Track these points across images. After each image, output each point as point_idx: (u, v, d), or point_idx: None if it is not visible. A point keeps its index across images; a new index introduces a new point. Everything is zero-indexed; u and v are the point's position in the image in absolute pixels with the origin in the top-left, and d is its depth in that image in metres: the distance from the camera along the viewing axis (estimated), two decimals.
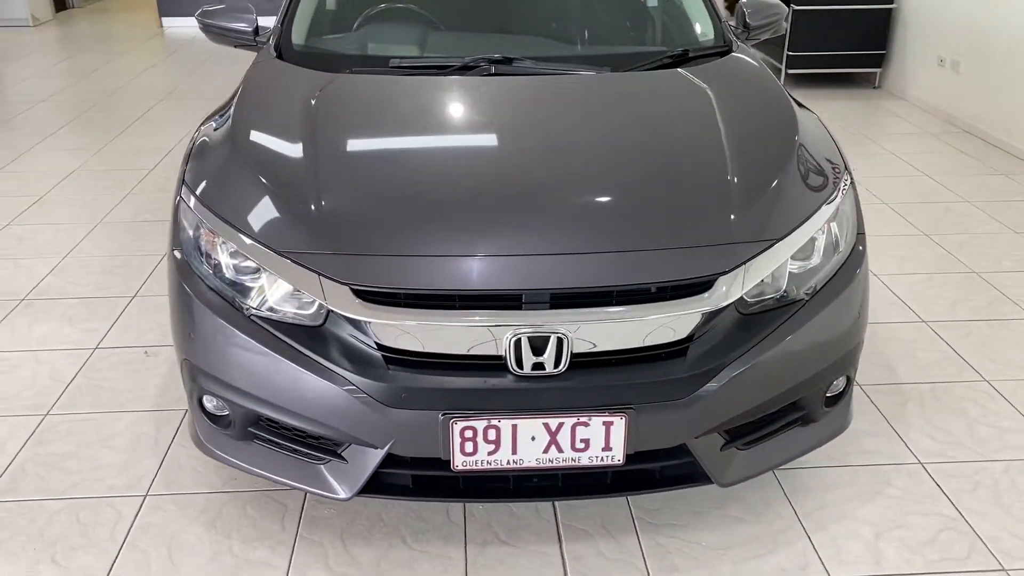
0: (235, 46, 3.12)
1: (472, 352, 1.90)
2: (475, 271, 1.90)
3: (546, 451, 1.94)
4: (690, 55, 2.82)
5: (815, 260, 2.14)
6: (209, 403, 2.14)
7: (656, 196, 2.10)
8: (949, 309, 3.41)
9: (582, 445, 1.94)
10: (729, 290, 1.95)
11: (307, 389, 1.93)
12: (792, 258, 2.10)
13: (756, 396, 2.02)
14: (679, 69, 2.71)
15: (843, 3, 6.51)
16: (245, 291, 2.02)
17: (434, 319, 1.88)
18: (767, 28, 3.16)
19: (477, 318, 1.87)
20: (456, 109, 2.51)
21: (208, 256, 2.08)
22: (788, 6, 5.89)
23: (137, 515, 2.31)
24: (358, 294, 1.90)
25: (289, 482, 2.08)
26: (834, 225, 2.18)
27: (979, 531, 2.26)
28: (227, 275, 2.04)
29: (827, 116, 3.34)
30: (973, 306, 3.43)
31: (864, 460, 2.54)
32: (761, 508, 2.35)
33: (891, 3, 6.57)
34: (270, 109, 2.51)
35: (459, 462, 1.94)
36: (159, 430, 2.64)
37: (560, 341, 1.87)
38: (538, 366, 1.89)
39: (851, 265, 2.18)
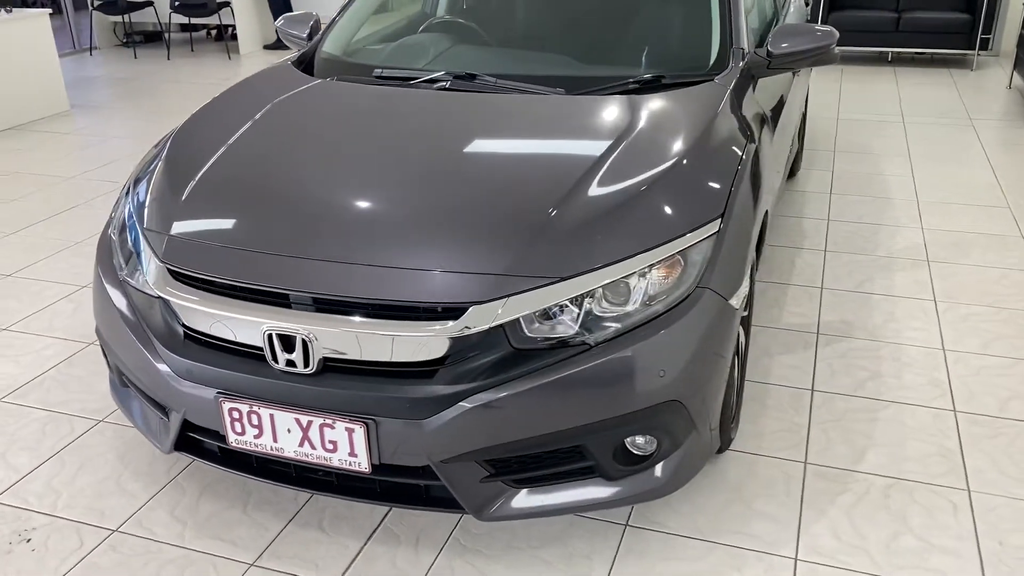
0: (298, 49, 3.49)
1: (240, 341, 2.07)
2: (246, 265, 2.06)
3: (301, 445, 2.05)
4: (663, 81, 2.69)
5: (629, 307, 2.00)
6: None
7: (456, 221, 2.09)
8: (1001, 403, 2.85)
9: (331, 446, 2.02)
10: (480, 320, 1.91)
11: (135, 353, 2.23)
12: (608, 301, 2.00)
13: (509, 432, 1.95)
14: (629, 96, 2.59)
15: None
16: (128, 259, 2.36)
17: (209, 305, 2.07)
18: (799, 57, 2.86)
19: (239, 310, 2.03)
20: (362, 120, 2.62)
21: (120, 230, 2.46)
22: None
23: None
24: (171, 273, 2.15)
25: (141, 431, 2.39)
26: (656, 275, 2.02)
27: None
28: (124, 246, 2.40)
29: None
30: None
31: (733, 539, 2.28)
32: (578, 560, 2.23)
33: None
34: (231, 106, 2.81)
35: (232, 439, 2.12)
36: None
37: (305, 343, 1.97)
38: (292, 363, 2.00)
39: (667, 320, 2.00)
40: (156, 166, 2.52)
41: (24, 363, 3.22)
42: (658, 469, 2.11)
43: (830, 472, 2.54)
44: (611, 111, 2.50)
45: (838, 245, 4.09)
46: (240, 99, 2.82)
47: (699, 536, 2.30)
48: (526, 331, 1.97)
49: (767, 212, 2.74)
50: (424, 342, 1.94)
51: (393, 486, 2.10)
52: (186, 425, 2.22)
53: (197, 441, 2.27)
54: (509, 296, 1.93)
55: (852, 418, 2.78)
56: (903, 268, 3.84)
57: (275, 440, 2.07)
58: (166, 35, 9.75)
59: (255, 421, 2.06)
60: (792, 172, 4.87)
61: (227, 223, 2.20)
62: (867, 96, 6.91)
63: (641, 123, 2.41)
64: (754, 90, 2.87)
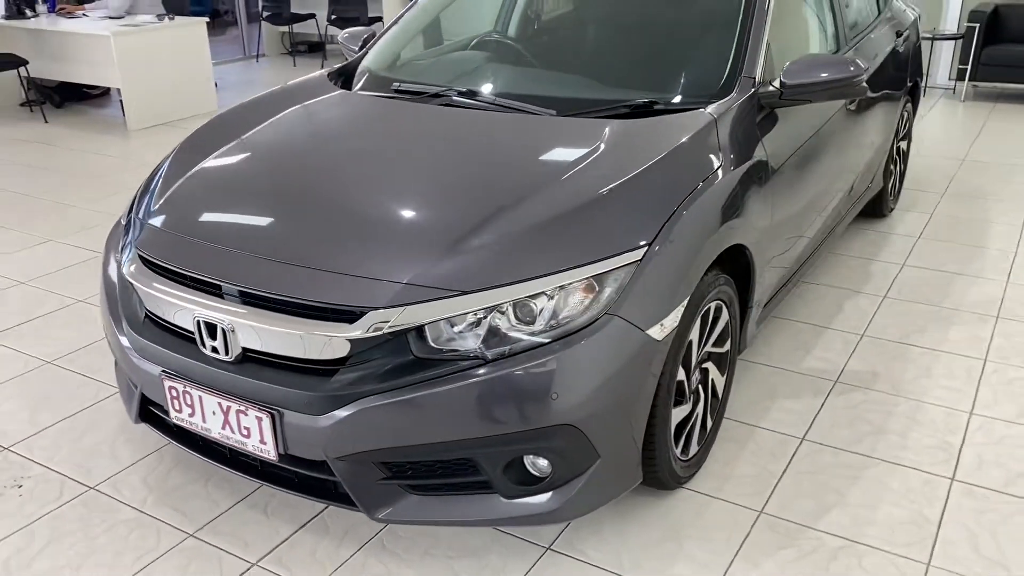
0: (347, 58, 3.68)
1: (180, 325, 2.24)
2: (190, 255, 2.23)
3: (223, 428, 2.19)
4: (656, 107, 2.65)
5: (536, 327, 2.01)
6: None
7: (378, 230, 2.16)
8: (1010, 478, 2.59)
9: (245, 432, 2.15)
10: (378, 325, 1.97)
11: (110, 328, 2.46)
12: (516, 319, 2.02)
13: (400, 436, 2.01)
14: (610, 120, 2.57)
15: None
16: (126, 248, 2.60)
17: (157, 289, 2.25)
18: (815, 89, 2.73)
19: (178, 296, 2.20)
20: (347, 130, 2.75)
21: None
22: None
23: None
24: (140, 258, 2.36)
25: (123, 400, 2.62)
26: (568, 297, 2.01)
27: None
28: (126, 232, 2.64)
29: None
30: None
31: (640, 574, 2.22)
32: (487, 575, 2.24)
33: None
34: (249, 110, 3.00)
35: (173, 416, 2.29)
36: None
37: (225, 332, 2.11)
38: (217, 350, 2.15)
39: (566, 343, 1.98)
40: (166, 160, 2.76)
41: (84, 331, 3.58)
42: (555, 493, 2.09)
43: (782, 525, 2.40)
44: (583, 134, 2.50)
45: (901, 292, 3.82)
46: (261, 104, 3.02)
47: (616, 571, 2.25)
48: (430, 341, 2.02)
49: (759, 243, 2.64)
50: (327, 342, 2.03)
51: (307, 478, 2.20)
52: (149, 400, 2.41)
53: (158, 415, 2.46)
54: (408, 304, 1.98)
55: (832, 473, 2.61)
56: (964, 322, 3.53)
57: (204, 420, 2.22)
58: (326, 46, 10.41)
59: (188, 401, 2.22)
60: (878, 212, 4.59)
61: (192, 217, 2.38)
62: (1008, 138, 6.37)
63: (601, 148, 2.40)
64: (766, 120, 2.76)
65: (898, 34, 4.22)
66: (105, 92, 8.25)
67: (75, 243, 4.59)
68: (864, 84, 2.79)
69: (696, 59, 2.95)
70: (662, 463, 2.33)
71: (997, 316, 3.59)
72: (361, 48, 3.52)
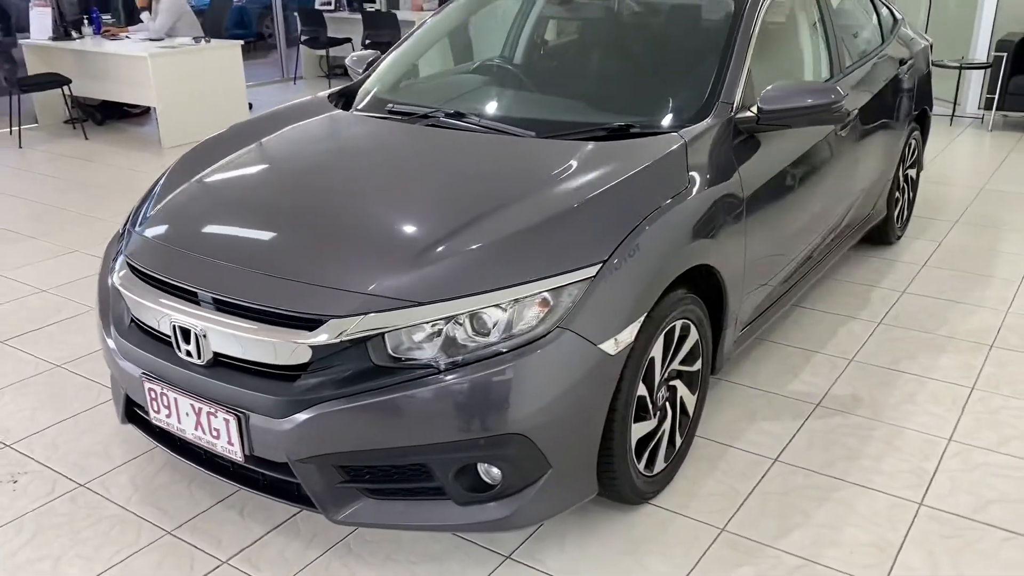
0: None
1: (159, 330, 2.35)
2: (171, 263, 2.35)
3: (196, 428, 2.29)
4: (632, 130, 2.72)
5: (491, 338, 2.09)
6: None
7: (344, 242, 2.26)
8: (979, 505, 2.58)
9: (215, 433, 2.25)
10: (337, 333, 2.06)
11: (101, 334, 2.59)
12: (473, 330, 2.10)
13: (355, 441, 2.09)
14: (584, 142, 2.64)
15: None
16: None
17: (140, 295, 2.37)
18: (791, 115, 2.77)
19: (158, 302, 2.31)
20: (331, 148, 2.89)
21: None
22: None
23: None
24: (128, 265, 2.49)
25: (114, 403, 2.74)
26: (523, 311, 2.08)
27: None
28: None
29: None
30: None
31: None
32: None
33: None
34: (247, 129, 3.14)
35: (152, 417, 2.40)
36: None
37: (197, 337, 2.21)
38: (191, 353, 2.25)
39: (516, 355, 2.05)
40: (163, 176, 2.89)
41: (94, 338, 3.73)
42: (507, 501, 2.15)
43: (743, 543, 2.43)
44: (556, 155, 2.57)
45: (898, 319, 3.81)
46: (258, 123, 3.16)
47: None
48: (388, 350, 2.10)
49: (731, 263, 2.68)
50: (289, 348, 2.12)
51: (272, 479, 2.28)
52: (134, 402, 2.53)
53: (143, 417, 2.57)
54: (366, 313, 2.07)
55: (800, 494, 2.63)
56: (957, 350, 3.52)
57: (179, 421, 2.32)
58: None
59: (165, 402, 2.33)
60: (884, 239, 4.58)
61: (177, 228, 2.51)
62: None
63: (570, 169, 2.47)
64: (744, 145, 2.81)
65: (901, 63, 4.24)
66: (145, 111, 8.54)
67: (99, 254, 4.77)
68: (843, 111, 2.83)
69: (677, 84, 3.02)
70: (622, 477, 2.37)
71: (992, 345, 3.57)
72: (365, 70, 3.65)
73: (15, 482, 2.75)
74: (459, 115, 2.96)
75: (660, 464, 2.57)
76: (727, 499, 2.61)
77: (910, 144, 4.51)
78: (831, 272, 4.26)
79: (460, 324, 2.10)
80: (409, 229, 2.29)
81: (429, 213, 2.35)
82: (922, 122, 4.70)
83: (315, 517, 2.54)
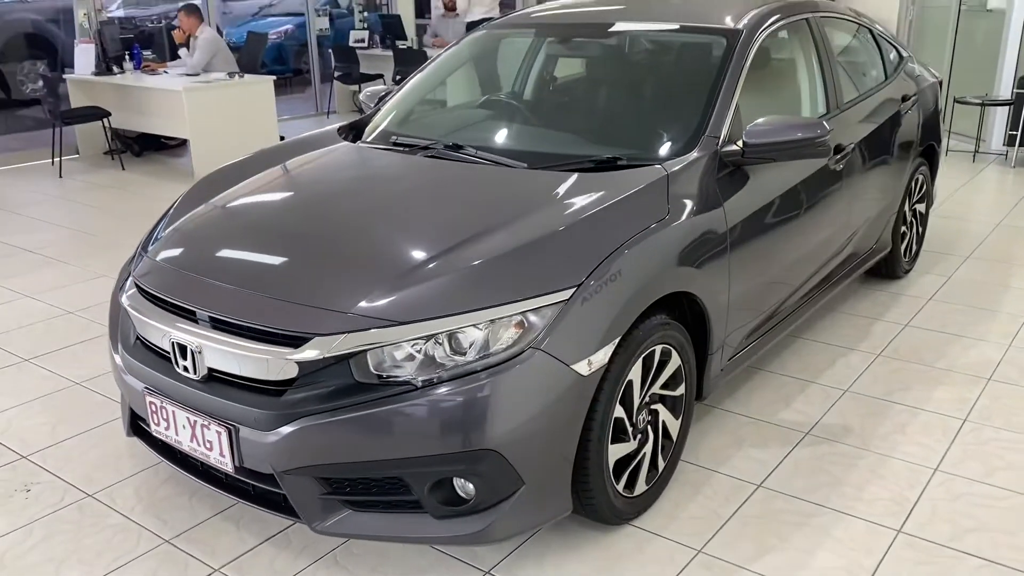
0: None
1: (159, 345, 2.49)
2: (173, 283, 2.50)
3: (192, 440, 2.41)
4: (619, 162, 2.83)
5: (468, 357, 2.19)
6: None
7: (332, 266, 2.39)
8: (957, 534, 2.60)
9: (208, 445, 2.37)
10: (321, 350, 2.18)
11: (110, 351, 2.74)
12: (451, 349, 2.21)
13: (335, 454, 2.20)
14: (572, 173, 2.76)
15: None
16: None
17: (144, 313, 2.51)
18: (776, 148, 2.86)
19: (159, 320, 2.45)
20: (333, 178, 3.05)
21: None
22: None
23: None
24: (136, 286, 2.64)
25: (121, 417, 2.88)
26: (499, 331, 2.19)
27: None
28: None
29: None
30: (996, 537, 2.55)
31: None
32: None
33: None
34: (259, 159, 3.30)
35: (153, 429, 2.53)
36: None
37: (193, 353, 2.35)
38: (188, 369, 2.39)
39: (490, 374, 2.15)
40: (176, 202, 3.06)
41: None
42: (481, 515, 2.24)
43: (717, 564, 2.48)
44: (543, 185, 2.69)
45: (898, 352, 3.84)
46: (268, 155, 3.33)
47: None
48: (370, 367, 2.22)
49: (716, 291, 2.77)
50: (277, 364, 2.24)
51: (261, 490, 2.40)
52: (138, 415, 2.67)
53: (146, 430, 2.71)
54: (349, 332, 2.19)
55: (780, 519, 2.68)
56: (953, 383, 3.54)
57: (177, 433, 2.45)
58: None
59: (164, 415, 2.46)
60: (891, 273, 4.61)
61: (183, 251, 2.66)
62: None
63: (555, 198, 2.58)
64: (730, 178, 2.90)
65: (904, 98, 4.30)
66: (182, 143, 8.83)
67: None
68: (828, 146, 2.91)
69: (666, 118, 3.13)
70: (599, 496, 2.44)
71: (989, 378, 3.58)
72: (376, 104, 3.82)
73: (28, 491, 2.90)
74: (457, 147, 3.10)
75: (641, 486, 2.64)
76: (707, 522, 2.67)
77: (916, 179, 4.55)
78: (834, 304, 4.30)
79: (439, 343, 2.20)
80: (394, 252, 2.42)
81: (415, 238, 2.47)
82: (930, 157, 4.74)
83: (306, 530, 2.64)
